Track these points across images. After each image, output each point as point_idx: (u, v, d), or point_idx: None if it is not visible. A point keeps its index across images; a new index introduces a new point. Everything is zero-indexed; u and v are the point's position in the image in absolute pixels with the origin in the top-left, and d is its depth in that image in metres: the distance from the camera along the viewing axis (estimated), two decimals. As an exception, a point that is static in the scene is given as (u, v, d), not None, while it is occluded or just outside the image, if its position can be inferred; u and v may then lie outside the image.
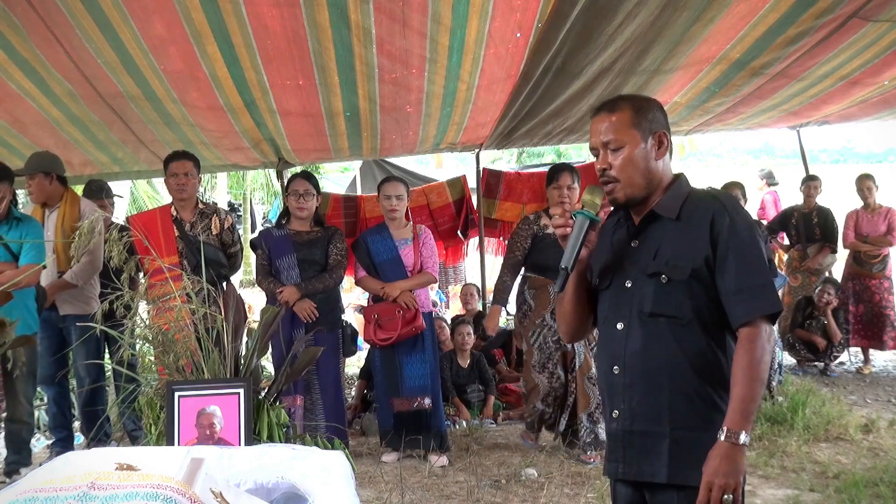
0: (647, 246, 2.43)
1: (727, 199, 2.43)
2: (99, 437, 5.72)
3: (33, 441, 6.34)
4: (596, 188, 2.47)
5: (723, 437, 2.21)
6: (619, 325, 2.46)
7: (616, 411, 2.46)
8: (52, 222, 5.79)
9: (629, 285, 2.44)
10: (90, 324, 3.28)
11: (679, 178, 2.49)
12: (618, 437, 2.46)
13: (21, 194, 6.93)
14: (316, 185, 5.72)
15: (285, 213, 5.81)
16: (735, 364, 2.28)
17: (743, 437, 2.20)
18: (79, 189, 8.73)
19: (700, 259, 2.32)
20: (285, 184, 6.18)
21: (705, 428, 2.30)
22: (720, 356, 2.35)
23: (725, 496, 2.18)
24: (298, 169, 7.27)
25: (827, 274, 8.94)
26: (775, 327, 2.37)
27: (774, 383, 6.92)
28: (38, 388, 6.52)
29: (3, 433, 5.76)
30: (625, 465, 2.43)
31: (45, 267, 5.51)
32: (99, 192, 6.52)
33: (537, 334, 5.60)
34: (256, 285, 5.98)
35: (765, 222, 9.39)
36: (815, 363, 8.46)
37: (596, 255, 2.54)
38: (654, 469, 2.36)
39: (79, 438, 6.21)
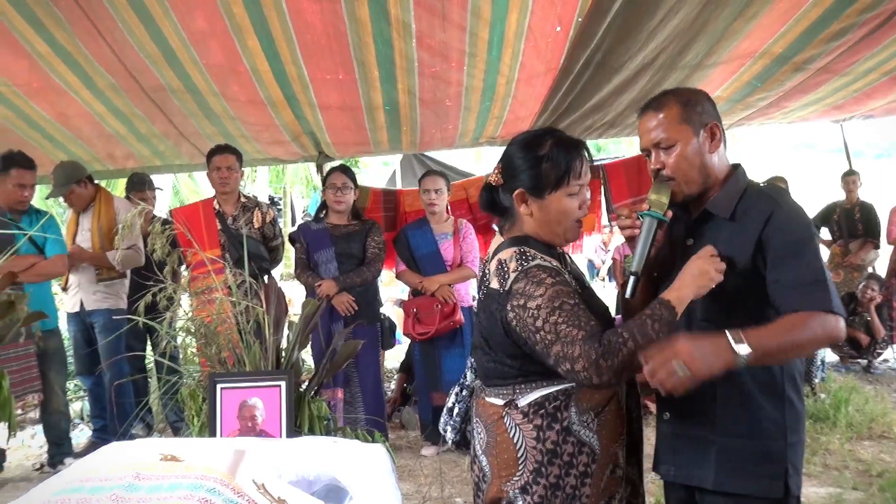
0: (702, 246, 2.27)
1: (782, 198, 2.28)
2: (134, 428, 5.81)
3: (76, 431, 6.45)
4: (662, 185, 2.33)
5: (730, 335, 2.04)
6: None
7: (667, 413, 2.42)
8: (88, 222, 5.89)
9: None
10: (125, 317, 3.31)
11: (736, 171, 2.38)
12: (668, 439, 2.42)
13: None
14: (353, 179, 5.74)
15: (323, 207, 5.83)
16: (784, 317, 2.12)
17: (744, 350, 2.02)
18: (121, 182, 8.84)
19: (748, 263, 2.21)
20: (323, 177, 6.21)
21: (752, 435, 2.25)
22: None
23: (679, 368, 2.01)
24: (337, 163, 7.29)
25: (870, 270, 8.82)
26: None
27: (817, 380, 6.86)
28: (77, 381, 6.66)
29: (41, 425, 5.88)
30: (676, 468, 2.39)
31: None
32: (141, 184, 6.61)
33: None
34: (295, 279, 6.02)
35: None
36: (858, 360, 8.35)
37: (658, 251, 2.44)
38: (703, 474, 2.30)
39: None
